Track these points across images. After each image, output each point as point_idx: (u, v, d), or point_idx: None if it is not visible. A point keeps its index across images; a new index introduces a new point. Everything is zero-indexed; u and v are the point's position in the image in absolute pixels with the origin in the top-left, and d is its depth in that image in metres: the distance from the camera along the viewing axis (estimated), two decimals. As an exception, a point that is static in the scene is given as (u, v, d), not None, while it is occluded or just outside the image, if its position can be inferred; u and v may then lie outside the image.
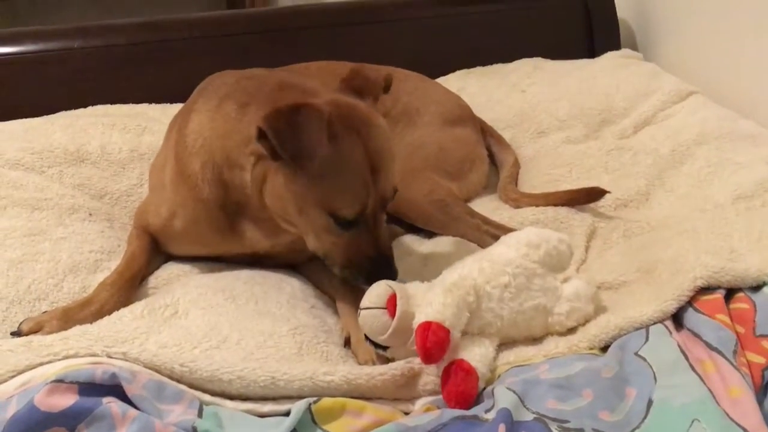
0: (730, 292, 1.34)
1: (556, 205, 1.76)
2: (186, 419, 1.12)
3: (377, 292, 1.32)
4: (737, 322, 1.28)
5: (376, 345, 1.32)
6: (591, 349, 1.31)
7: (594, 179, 1.86)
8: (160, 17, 2.41)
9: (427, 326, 1.22)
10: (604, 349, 1.31)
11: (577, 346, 1.31)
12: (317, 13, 2.50)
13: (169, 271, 1.60)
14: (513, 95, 2.22)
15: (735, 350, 1.21)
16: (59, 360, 1.20)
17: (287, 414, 1.16)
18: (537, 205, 1.77)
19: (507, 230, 1.60)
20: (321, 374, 1.22)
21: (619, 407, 1.16)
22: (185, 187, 1.53)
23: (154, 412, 1.12)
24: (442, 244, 1.68)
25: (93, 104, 2.10)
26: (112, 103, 2.12)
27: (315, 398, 1.18)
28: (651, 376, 1.19)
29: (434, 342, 1.21)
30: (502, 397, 1.16)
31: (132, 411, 1.09)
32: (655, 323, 1.30)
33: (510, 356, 1.32)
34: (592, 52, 2.43)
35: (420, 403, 1.24)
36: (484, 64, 2.38)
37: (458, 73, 2.34)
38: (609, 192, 1.77)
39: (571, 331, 1.36)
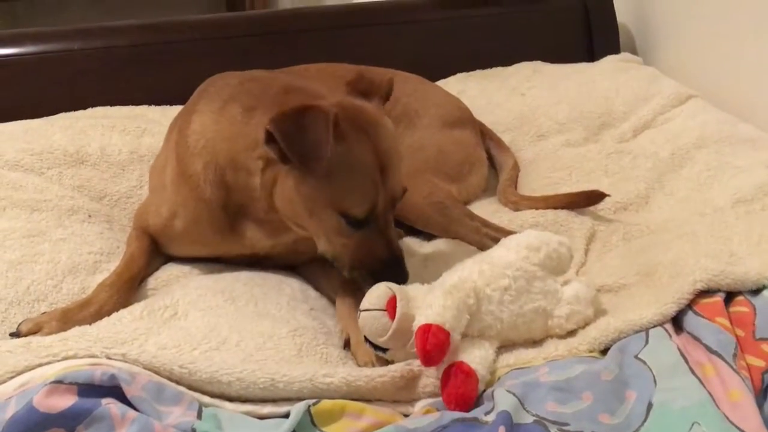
0: (730, 296, 1.34)
1: (555, 208, 1.76)
2: (185, 421, 1.12)
3: (377, 293, 1.32)
4: (737, 325, 1.28)
5: (376, 347, 1.32)
6: (591, 351, 1.31)
7: (594, 182, 1.86)
8: (160, 19, 2.41)
9: (427, 329, 1.22)
10: (604, 352, 1.31)
11: (577, 349, 1.31)
12: (317, 15, 2.50)
13: (169, 272, 1.60)
14: (513, 98, 2.22)
15: (735, 354, 1.21)
16: (58, 361, 1.19)
17: (287, 416, 1.16)
18: (536, 208, 1.77)
19: (506, 233, 1.60)
20: (320, 376, 1.22)
21: (618, 410, 1.16)
22: (186, 187, 1.53)
23: (153, 413, 1.12)
24: (441, 246, 1.68)
25: (93, 106, 2.09)
26: (112, 104, 2.11)
27: (314, 400, 1.17)
28: (651, 379, 1.19)
29: (434, 344, 1.21)
30: (502, 400, 1.16)
31: (131, 412, 1.09)
32: (654, 326, 1.30)
33: (510, 359, 1.32)
34: (591, 56, 2.43)
35: (420, 405, 1.24)
36: (483, 67, 2.37)
37: (458, 76, 2.34)
38: (609, 195, 1.77)
39: (571, 333, 1.36)
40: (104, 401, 1.09)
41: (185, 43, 2.23)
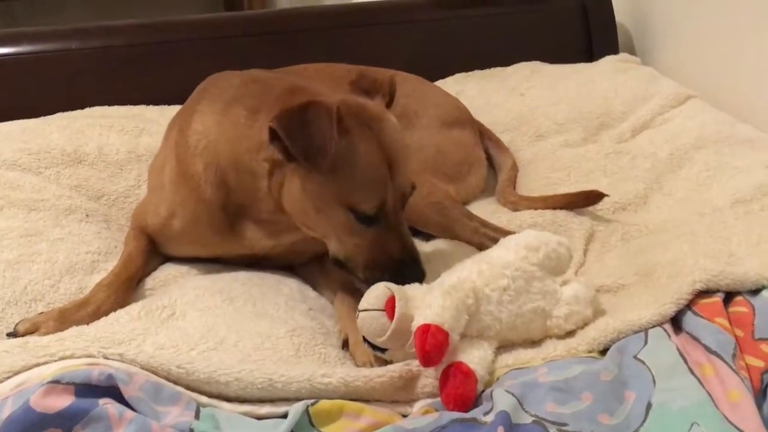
0: (729, 296, 1.33)
1: (554, 208, 1.76)
2: (183, 421, 1.12)
3: (376, 293, 1.31)
4: (736, 325, 1.27)
5: (375, 347, 1.32)
6: (590, 352, 1.31)
7: (592, 183, 1.85)
8: (158, 19, 2.41)
9: (426, 329, 1.22)
10: (603, 352, 1.31)
11: (576, 350, 1.31)
12: (315, 15, 2.50)
13: (167, 272, 1.60)
14: (511, 99, 2.22)
15: (734, 354, 1.21)
16: (55, 361, 1.19)
17: (285, 416, 1.15)
18: (535, 209, 1.77)
19: (505, 233, 1.60)
20: (319, 376, 1.21)
21: (618, 410, 1.16)
22: (186, 187, 1.52)
23: (150, 413, 1.11)
24: (440, 246, 1.68)
25: (91, 105, 2.09)
26: (110, 104, 2.11)
27: (313, 400, 1.17)
28: (650, 379, 1.18)
29: (433, 345, 1.21)
30: (501, 400, 1.16)
31: (129, 412, 1.09)
32: (653, 326, 1.29)
33: (509, 359, 1.32)
34: (590, 56, 2.43)
35: (418, 406, 1.24)
36: (482, 67, 2.37)
37: (457, 76, 2.34)
38: (607, 195, 1.77)
39: (570, 334, 1.36)
40: (101, 401, 1.08)
41: (183, 43, 2.22)
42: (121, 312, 1.43)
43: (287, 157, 1.35)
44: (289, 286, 1.55)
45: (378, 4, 2.54)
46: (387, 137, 1.39)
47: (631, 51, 2.48)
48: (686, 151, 1.90)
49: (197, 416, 1.14)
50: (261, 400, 1.22)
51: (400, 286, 1.33)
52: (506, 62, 2.38)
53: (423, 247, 1.69)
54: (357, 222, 1.37)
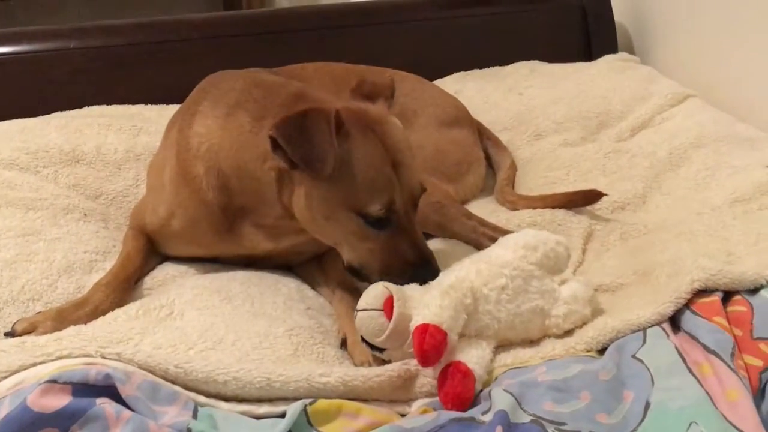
0: (728, 295, 1.33)
1: (553, 207, 1.75)
2: (181, 420, 1.11)
3: (374, 293, 1.31)
4: (735, 324, 1.27)
5: (373, 347, 1.31)
6: (588, 351, 1.31)
7: (591, 182, 1.85)
8: (157, 18, 2.40)
9: (424, 329, 1.22)
10: (602, 351, 1.31)
11: (575, 349, 1.31)
12: (314, 14, 2.49)
13: (165, 272, 1.60)
14: (510, 98, 2.22)
15: (732, 353, 1.20)
16: (53, 360, 1.18)
17: (283, 415, 1.15)
18: (534, 208, 1.77)
19: (504, 232, 1.60)
20: (317, 375, 1.21)
21: (616, 410, 1.16)
22: (187, 188, 1.52)
23: (148, 413, 1.11)
24: (439, 245, 1.67)
25: (89, 105, 2.09)
26: (109, 103, 2.11)
27: (311, 400, 1.17)
28: (648, 378, 1.18)
29: (431, 345, 1.20)
30: (499, 399, 1.16)
31: (126, 412, 1.08)
32: (652, 326, 1.29)
33: (507, 358, 1.32)
34: (589, 56, 2.43)
35: (416, 405, 1.24)
36: (481, 66, 2.37)
37: (455, 75, 2.34)
38: (606, 195, 1.76)
39: (569, 333, 1.36)
40: (99, 401, 1.08)
41: (182, 42, 2.22)
42: (119, 311, 1.43)
43: (291, 165, 1.34)
44: (288, 285, 1.54)
45: (377, 3, 2.54)
46: (390, 139, 1.38)
47: (630, 50, 2.48)
48: (685, 150, 1.90)
49: (195, 416, 1.14)
50: (259, 400, 1.22)
51: (398, 286, 1.33)
52: (505, 61, 2.38)
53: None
54: (368, 227, 1.36)
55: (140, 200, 1.73)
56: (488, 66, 2.38)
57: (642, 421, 1.12)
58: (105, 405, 1.08)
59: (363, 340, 1.33)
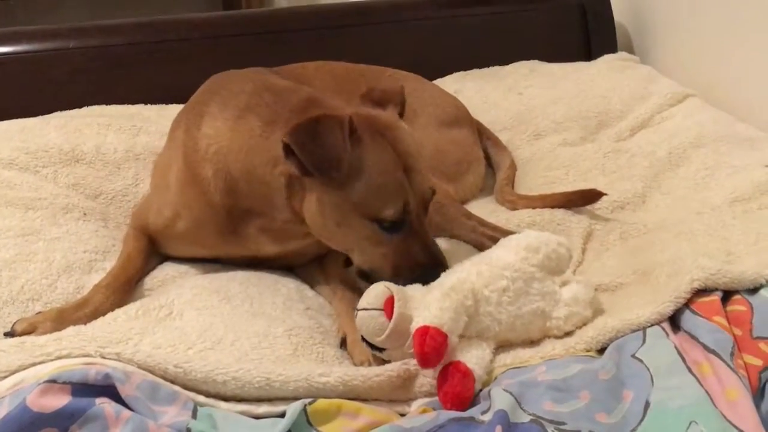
0: (727, 295, 1.33)
1: (552, 207, 1.75)
2: (180, 420, 1.11)
3: (375, 293, 1.31)
4: (734, 324, 1.27)
5: (373, 346, 1.31)
6: (588, 351, 1.30)
7: (591, 181, 1.85)
8: (157, 18, 2.40)
9: (424, 331, 1.22)
10: (601, 351, 1.31)
11: (574, 348, 1.31)
12: (313, 14, 2.49)
13: (165, 272, 1.59)
14: (510, 98, 2.22)
15: (732, 352, 1.20)
16: (52, 360, 1.18)
17: (282, 415, 1.15)
18: (534, 207, 1.77)
19: (504, 232, 1.60)
20: (316, 375, 1.21)
21: (616, 409, 1.16)
22: (193, 190, 1.51)
23: (147, 413, 1.11)
24: (440, 246, 1.67)
25: (89, 104, 2.09)
26: (108, 103, 2.11)
27: (310, 399, 1.17)
28: (648, 378, 1.18)
29: (432, 347, 1.20)
30: (499, 399, 1.16)
31: (125, 412, 1.08)
32: (652, 325, 1.29)
33: (507, 358, 1.32)
34: (588, 55, 2.43)
35: (416, 405, 1.24)
36: (481, 66, 2.37)
37: (455, 75, 2.34)
38: (606, 194, 1.76)
39: (568, 333, 1.36)
40: (98, 401, 1.08)
41: (181, 42, 2.22)
42: (118, 312, 1.43)
43: (303, 172, 1.34)
44: (287, 285, 1.54)
45: (377, 3, 2.54)
46: (401, 144, 1.38)
47: (630, 50, 2.48)
48: (685, 149, 1.90)
49: (194, 415, 1.14)
50: (258, 400, 1.21)
51: (399, 286, 1.33)
52: (504, 61, 2.38)
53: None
54: (381, 231, 1.36)
55: (142, 200, 1.73)
56: (488, 66, 2.38)
57: (642, 420, 1.12)
58: (104, 405, 1.07)
59: (363, 339, 1.32)
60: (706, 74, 2.19)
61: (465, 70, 2.35)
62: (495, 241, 1.48)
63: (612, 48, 2.44)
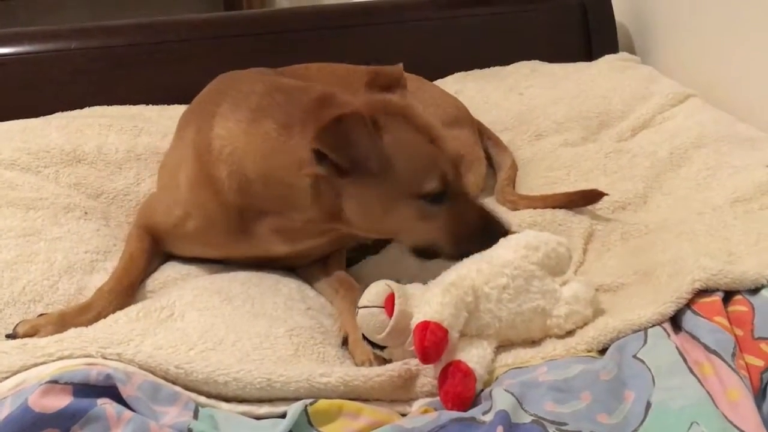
0: (729, 295, 1.33)
1: (553, 207, 1.75)
2: (181, 421, 1.11)
3: (375, 291, 1.31)
4: (736, 324, 1.27)
5: (374, 345, 1.32)
6: (589, 351, 1.30)
7: (592, 182, 1.85)
8: (158, 18, 2.40)
9: (425, 326, 1.22)
10: (603, 351, 1.30)
11: (575, 349, 1.31)
12: (314, 15, 2.49)
13: (167, 273, 1.59)
14: (511, 98, 2.22)
15: (733, 353, 1.20)
16: (54, 361, 1.19)
17: (283, 416, 1.15)
18: (535, 208, 1.77)
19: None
20: (317, 376, 1.21)
21: (617, 410, 1.16)
22: (206, 190, 1.50)
23: (149, 413, 1.11)
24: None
25: (90, 105, 2.09)
26: (110, 104, 2.11)
27: (311, 400, 1.17)
28: (649, 378, 1.18)
29: (432, 342, 1.21)
30: (500, 399, 1.16)
31: (127, 412, 1.08)
32: (653, 326, 1.29)
33: (508, 358, 1.32)
34: (589, 56, 2.42)
35: (417, 405, 1.24)
36: (481, 66, 2.37)
37: (456, 75, 2.34)
38: (607, 194, 1.76)
39: (570, 333, 1.35)
40: (100, 401, 1.08)
41: (182, 43, 2.22)
42: (119, 313, 1.42)
43: (339, 173, 1.35)
44: (288, 285, 1.54)
45: (377, 3, 2.54)
46: (419, 119, 1.42)
47: (631, 50, 2.47)
48: (686, 150, 1.90)
49: (196, 416, 1.14)
50: (260, 400, 1.22)
51: (399, 285, 1.33)
52: (505, 61, 2.38)
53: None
54: (428, 206, 1.38)
55: (148, 199, 1.71)
56: (489, 66, 2.38)
57: (643, 421, 1.12)
58: (106, 405, 1.08)
59: (364, 338, 1.33)
60: (707, 74, 2.19)
61: (466, 70, 2.35)
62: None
63: (613, 48, 2.44)
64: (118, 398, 1.11)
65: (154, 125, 1.97)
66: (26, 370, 1.18)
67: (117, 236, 1.68)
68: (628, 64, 2.32)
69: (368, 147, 1.32)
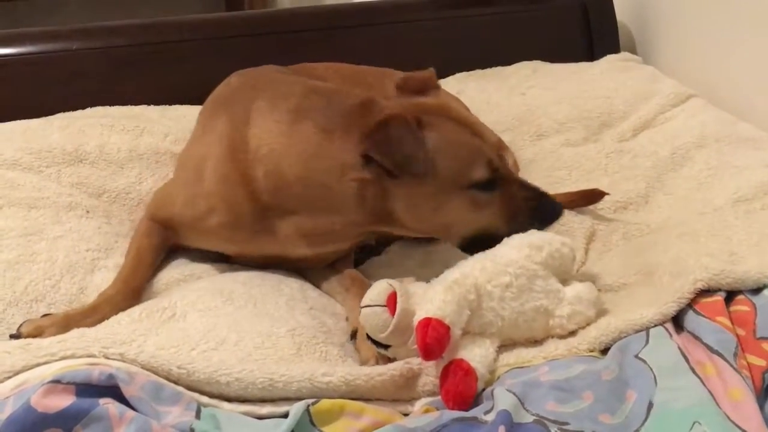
0: (731, 295, 1.33)
1: (555, 207, 1.75)
2: (183, 421, 1.11)
3: (378, 290, 1.32)
4: (738, 324, 1.27)
5: (378, 344, 1.32)
6: (591, 351, 1.30)
7: (593, 182, 1.85)
8: (160, 19, 2.41)
9: (427, 322, 1.22)
10: (604, 351, 1.30)
11: (577, 349, 1.31)
12: (316, 15, 2.49)
13: (170, 275, 1.59)
14: (512, 98, 2.22)
15: (736, 353, 1.20)
16: (56, 361, 1.19)
17: (285, 416, 1.15)
18: (536, 208, 1.77)
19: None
20: (319, 375, 1.21)
21: (619, 410, 1.16)
22: (238, 188, 1.49)
23: (151, 413, 1.11)
24: (439, 245, 1.67)
25: (92, 105, 2.08)
26: (112, 104, 2.10)
27: (314, 400, 1.17)
28: (651, 378, 1.18)
29: (434, 338, 1.21)
30: (502, 399, 1.16)
31: (129, 412, 1.08)
32: (655, 326, 1.29)
33: (510, 358, 1.32)
34: (591, 56, 2.42)
35: (419, 404, 1.24)
36: (483, 66, 2.37)
37: (457, 75, 2.34)
38: (608, 194, 1.77)
39: (571, 333, 1.35)
40: (102, 401, 1.08)
41: (185, 43, 2.22)
42: (122, 314, 1.43)
43: (388, 175, 1.37)
44: (290, 285, 1.54)
45: (379, 3, 2.54)
46: (458, 115, 1.46)
47: (632, 50, 2.47)
48: (687, 150, 1.90)
49: (198, 416, 1.14)
50: (262, 400, 1.22)
51: (402, 284, 1.33)
52: (507, 61, 2.37)
53: (423, 246, 1.69)
54: (481, 194, 1.40)
55: (163, 190, 1.68)
56: (490, 66, 2.38)
57: (645, 421, 1.12)
58: (108, 405, 1.08)
59: (368, 336, 1.33)
60: (709, 74, 2.19)
61: (467, 70, 2.35)
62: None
63: (615, 48, 2.44)
64: (121, 398, 1.11)
65: (157, 125, 1.97)
66: (29, 369, 1.18)
67: (119, 233, 1.68)
68: (629, 65, 2.32)
69: (415, 148, 1.34)
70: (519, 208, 1.42)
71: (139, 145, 1.91)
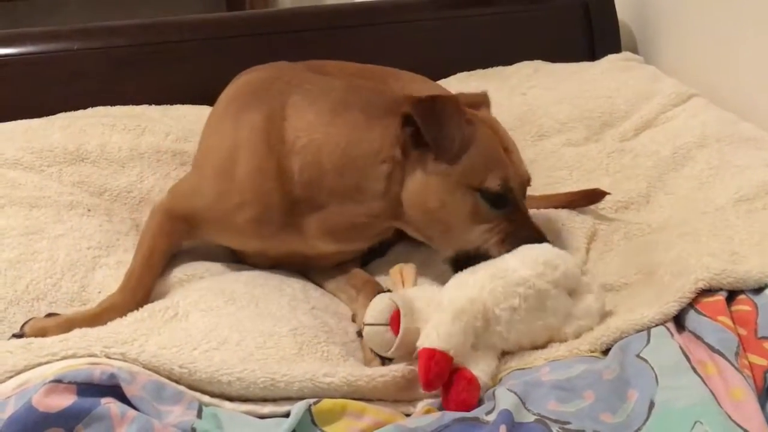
0: (732, 294, 1.33)
1: (556, 207, 1.75)
2: (185, 420, 1.12)
3: (380, 308, 1.31)
4: (739, 324, 1.27)
5: (382, 357, 1.33)
6: (592, 351, 1.30)
7: (595, 181, 1.85)
8: (160, 19, 2.40)
9: (431, 354, 1.21)
10: (606, 351, 1.31)
11: (579, 349, 1.31)
12: (317, 15, 2.49)
13: (173, 275, 1.58)
14: (513, 98, 2.22)
15: (737, 352, 1.20)
16: (58, 360, 1.19)
17: (287, 415, 1.15)
18: (537, 208, 1.76)
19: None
20: (321, 375, 1.21)
21: (620, 409, 1.16)
22: (273, 181, 1.48)
23: (153, 412, 1.11)
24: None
25: (93, 105, 2.08)
26: (113, 104, 2.10)
27: (315, 399, 1.17)
28: (653, 378, 1.18)
29: (436, 373, 1.20)
30: (503, 399, 1.16)
31: (131, 412, 1.08)
32: (656, 325, 1.29)
33: (511, 361, 1.32)
34: (592, 55, 2.42)
35: (421, 405, 1.24)
36: (484, 66, 2.37)
37: (458, 75, 2.33)
38: (610, 194, 1.77)
39: (573, 334, 1.36)
40: (104, 400, 1.08)
41: (185, 43, 2.22)
42: (124, 315, 1.43)
43: (414, 143, 1.39)
44: (292, 286, 1.54)
45: (379, 3, 2.54)
46: (500, 133, 1.48)
47: (634, 50, 2.47)
48: (689, 149, 1.90)
49: (199, 415, 1.14)
50: (264, 400, 1.22)
51: (405, 299, 1.32)
52: (508, 61, 2.37)
53: (426, 245, 1.68)
54: (486, 205, 1.39)
55: (184, 185, 1.65)
56: (491, 66, 2.38)
57: (646, 420, 1.12)
58: (110, 404, 1.08)
59: (371, 350, 1.34)
60: (710, 74, 2.19)
61: (468, 70, 2.35)
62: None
63: (616, 48, 2.44)
64: (122, 397, 1.11)
65: (158, 124, 1.97)
66: (30, 369, 1.18)
67: (120, 231, 1.68)
68: (631, 64, 2.32)
69: (454, 128, 1.37)
70: (515, 241, 1.39)
71: (141, 144, 1.91)
